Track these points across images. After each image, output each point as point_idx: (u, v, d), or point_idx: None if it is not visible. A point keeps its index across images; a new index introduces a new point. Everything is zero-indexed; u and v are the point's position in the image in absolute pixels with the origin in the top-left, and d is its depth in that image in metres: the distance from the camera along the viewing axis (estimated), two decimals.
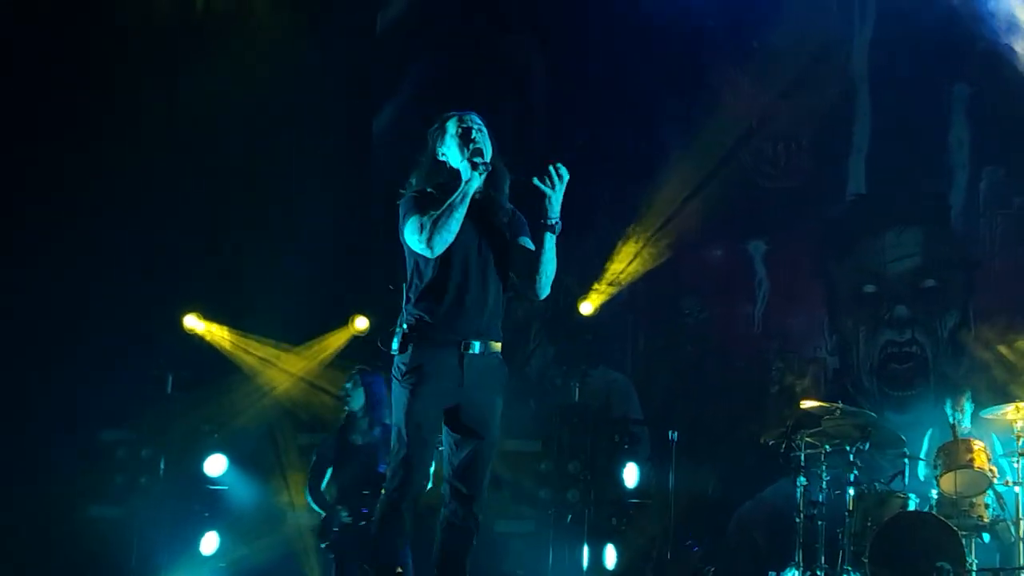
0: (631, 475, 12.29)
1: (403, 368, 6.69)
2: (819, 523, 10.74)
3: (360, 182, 14.46)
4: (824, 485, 10.86)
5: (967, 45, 12.42)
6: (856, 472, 10.69)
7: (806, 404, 11.06)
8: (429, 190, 6.82)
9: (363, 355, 13.19)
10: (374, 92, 14.81)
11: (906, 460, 11.12)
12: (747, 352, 14.00)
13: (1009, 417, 10.70)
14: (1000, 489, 10.84)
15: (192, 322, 13.05)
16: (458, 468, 6.82)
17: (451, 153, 6.85)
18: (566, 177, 6.69)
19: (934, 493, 10.88)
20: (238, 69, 13.11)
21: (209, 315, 13.13)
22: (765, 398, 13.65)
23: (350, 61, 14.26)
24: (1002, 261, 13.50)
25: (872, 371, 13.72)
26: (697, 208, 13.72)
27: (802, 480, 10.88)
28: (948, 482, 10.73)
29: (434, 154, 6.91)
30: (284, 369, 13.36)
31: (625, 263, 13.72)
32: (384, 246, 14.14)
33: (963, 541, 10.24)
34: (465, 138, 6.76)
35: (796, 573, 10.62)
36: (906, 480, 11.10)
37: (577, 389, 12.87)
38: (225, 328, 13.22)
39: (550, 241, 6.76)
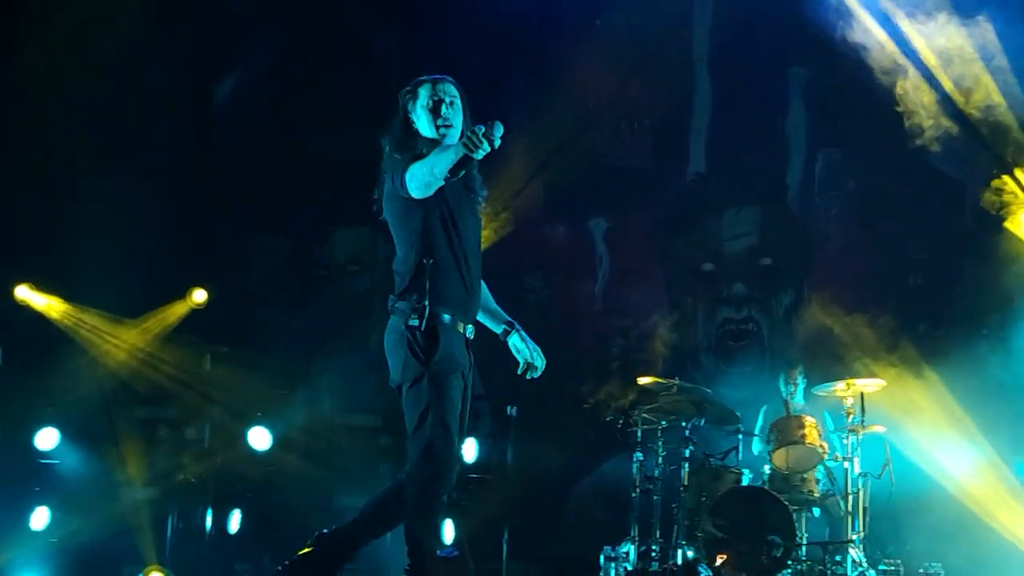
0: (470, 450, 12.31)
1: (431, 353, 6.60)
2: (655, 498, 10.88)
3: (200, 153, 14.23)
4: (660, 460, 11.00)
5: (803, 29, 12.60)
6: (691, 447, 10.85)
7: (643, 380, 11.19)
8: (421, 154, 6.73)
9: (201, 328, 13.05)
10: (216, 63, 14.57)
11: (740, 436, 11.30)
12: (588, 329, 14.11)
13: (840, 394, 10.94)
14: (830, 464, 11.11)
15: (24, 293, 12.75)
16: None
17: (421, 123, 6.85)
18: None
19: (767, 468, 11.11)
20: (75, 38, 12.81)
21: (42, 286, 12.83)
22: (606, 374, 13.76)
23: (191, 31, 13.99)
24: (837, 241, 13.79)
25: (710, 348, 13.94)
26: (540, 186, 13.75)
27: (638, 455, 11.02)
28: (780, 457, 10.95)
29: (406, 119, 6.89)
30: (121, 342, 13.13)
31: None
32: (224, 219, 14.03)
33: (794, 515, 10.47)
34: (436, 111, 6.78)
35: (632, 548, 10.75)
36: (740, 455, 11.28)
37: None
38: (59, 299, 12.93)
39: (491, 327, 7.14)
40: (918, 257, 13.67)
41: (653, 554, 10.68)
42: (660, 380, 11.08)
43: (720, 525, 10.45)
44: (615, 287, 14.09)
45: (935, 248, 13.50)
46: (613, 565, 10.63)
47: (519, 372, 7.05)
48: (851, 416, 10.82)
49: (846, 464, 10.74)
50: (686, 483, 10.79)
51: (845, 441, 10.84)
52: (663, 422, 11.03)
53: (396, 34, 14.59)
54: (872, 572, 10.39)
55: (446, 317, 6.66)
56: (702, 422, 10.95)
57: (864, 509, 10.73)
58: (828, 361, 12.53)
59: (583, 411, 13.13)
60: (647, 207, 14.05)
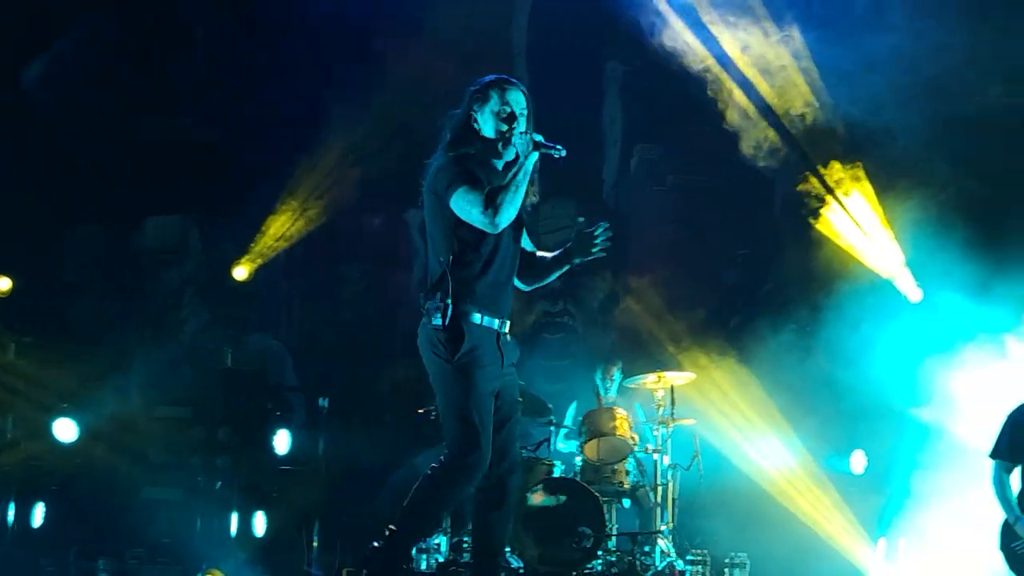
0: (283, 442, 12.19)
1: (455, 348, 6.58)
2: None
3: (7, 138, 13.82)
4: None
5: (619, 25, 12.72)
6: None
7: None
8: (470, 154, 6.74)
9: (6, 318, 12.68)
10: (29, 47, 14.17)
11: (552, 428, 11.37)
12: (403, 320, 14.04)
13: (651, 386, 11.08)
14: (641, 456, 11.24)
15: None
16: (497, 449, 6.74)
17: (486, 126, 6.77)
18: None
19: (578, 460, 11.18)
20: None
21: None
22: (420, 366, 13.69)
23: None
24: (652, 235, 13.95)
25: (525, 340, 13.96)
26: (357, 176, 13.66)
27: None
28: (592, 449, 11.04)
29: (468, 117, 6.80)
30: None
31: (283, 229, 13.57)
32: (36, 207, 13.63)
33: (604, 507, 10.54)
34: (508, 121, 6.73)
35: (443, 539, 10.72)
36: (552, 447, 11.35)
37: (230, 355, 12.68)
38: None
39: (561, 271, 7.02)
40: (732, 252, 13.90)
41: (465, 545, 10.67)
42: None
43: (531, 516, 10.48)
44: None
45: (749, 244, 13.75)
46: (424, 557, 10.59)
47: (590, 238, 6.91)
48: (662, 408, 10.97)
49: (656, 456, 10.87)
50: None
51: (656, 433, 10.99)
52: None
53: (222, 23, 14.34)
54: (680, 562, 10.54)
55: (475, 316, 6.61)
56: None
57: (673, 500, 10.89)
58: (642, 354, 12.68)
59: (397, 402, 13.08)
60: None
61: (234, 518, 12.02)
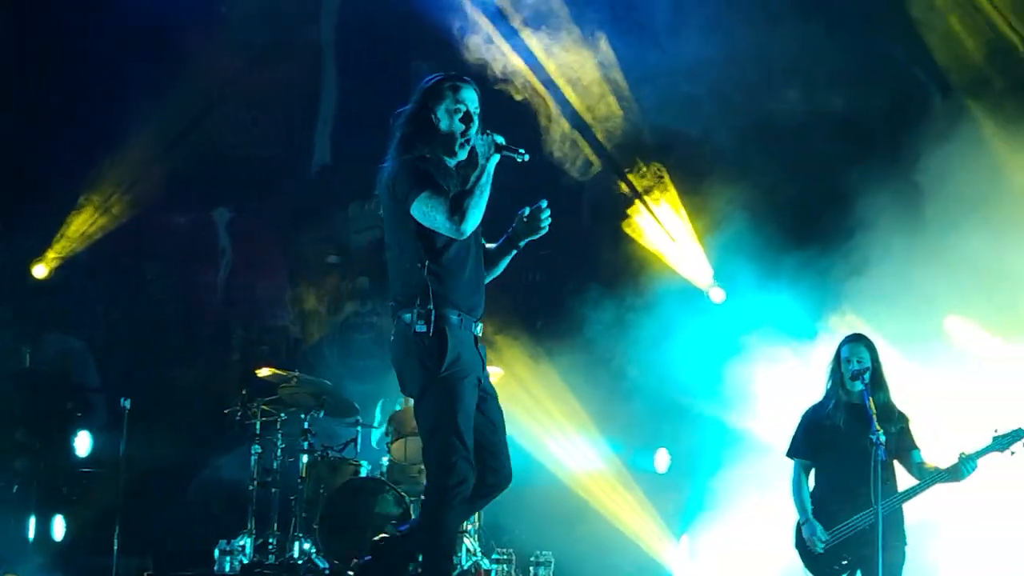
0: (83, 443, 11.94)
1: (441, 359, 6.39)
2: (273, 490, 10.79)
3: None
4: (279, 453, 10.91)
5: (425, 24, 12.71)
6: (310, 439, 10.80)
7: (263, 372, 11.08)
8: (426, 156, 6.52)
9: None
10: None
11: (359, 428, 11.34)
12: (209, 320, 13.89)
13: None
14: None
15: None
16: (495, 453, 6.73)
17: (441, 123, 6.57)
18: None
19: (385, 460, 11.16)
20: None
21: None
22: (227, 366, 13.57)
23: None
24: None
25: (334, 340, 13.91)
26: (162, 173, 13.43)
27: (256, 448, 10.89)
28: (399, 449, 11.03)
29: (423, 115, 6.59)
30: None
31: (85, 226, 13.27)
32: None
33: (411, 506, 10.54)
34: (465, 121, 6.57)
35: (248, 540, 10.61)
36: (359, 447, 11.31)
37: (29, 355, 12.36)
38: None
39: (510, 257, 6.89)
40: (539, 254, 13.97)
41: (270, 547, 10.58)
42: (280, 372, 10.98)
43: (338, 516, 10.43)
44: (238, 278, 13.90)
45: (555, 246, 13.84)
46: (228, 558, 10.46)
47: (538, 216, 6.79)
48: None
49: None
50: (304, 475, 10.73)
51: None
52: (282, 414, 10.95)
53: (8, 13, 13.90)
54: (485, 561, 10.59)
55: (454, 318, 6.45)
56: (321, 414, 10.93)
57: None
58: None
59: (200, 403, 12.90)
60: (272, 198, 13.89)
61: (32, 521, 11.71)
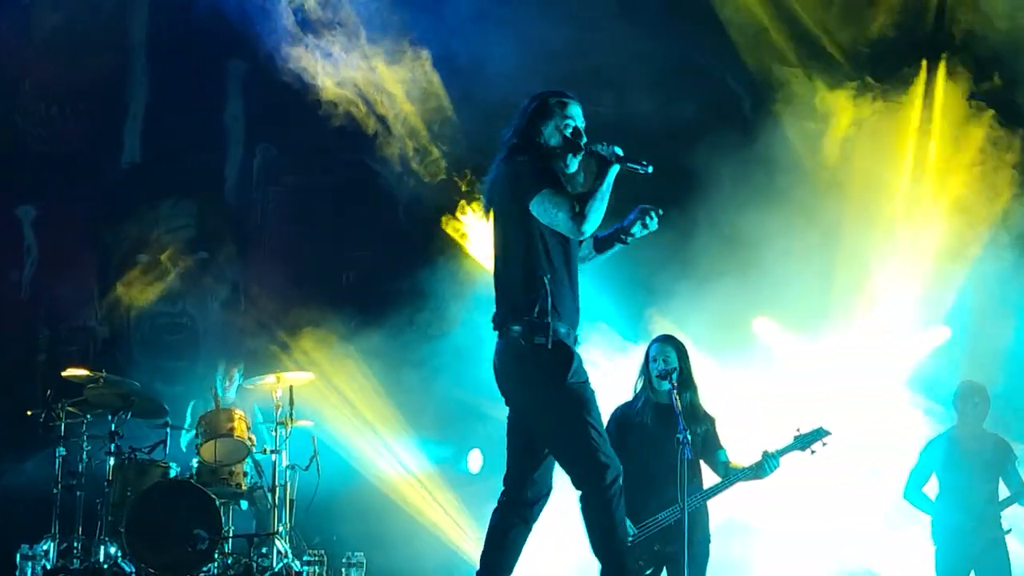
0: None
1: (564, 367, 6.38)
2: (78, 493, 10.54)
3: None
4: (85, 455, 10.68)
5: (242, 21, 12.59)
6: (117, 441, 10.59)
7: (68, 373, 10.84)
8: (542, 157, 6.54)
9: None
10: None
11: (168, 429, 11.16)
12: (13, 319, 13.50)
13: (269, 387, 11.02)
14: (259, 457, 11.14)
15: None
16: (546, 467, 6.70)
17: (552, 139, 6.57)
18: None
19: (195, 462, 11.00)
20: None
21: None
22: (32, 367, 13.24)
23: None
24: (273, 237, 13.85)
25: (144, 341, 13.66)
26: None
27: (61, 450, 10.64)
28: (208, 451, 10.90)
29: (535, 126, 6.57)
30: None
31: None
32: None
33: (220, 508, 10.42)
34: (575, 136, 6.56)
35: (52, 544, 10.36)
36: (167, 449, 11.13)
37: None
38: None
39: (613, 250, 6.87)
40: (353, 254, 13.94)
41: (75, 551, 10.34)
42: (87, 373, 10.74)
43: (145, 519, 10.25)
44: (44, 277, 13.54)
45: (369, 246, 13.82)
46: (31, 564, 10.20)
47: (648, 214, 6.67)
48: (280, 409, 10.92)
49: (274, 457, 10.82)
50: (111, 478, 10.52)
51: (274, 434, 10.93)
52: (88, 416, 10.71)
53: None
54: (296, 563, 10.52)
55: (563, 330, 6.41)
56: (128, 415, 10.72)
57: (291, 501, 10.87)
58: (261, 354, 12.59)
59: (3, 405, 12.55)
60: (80, 196, 13.57)
61: None
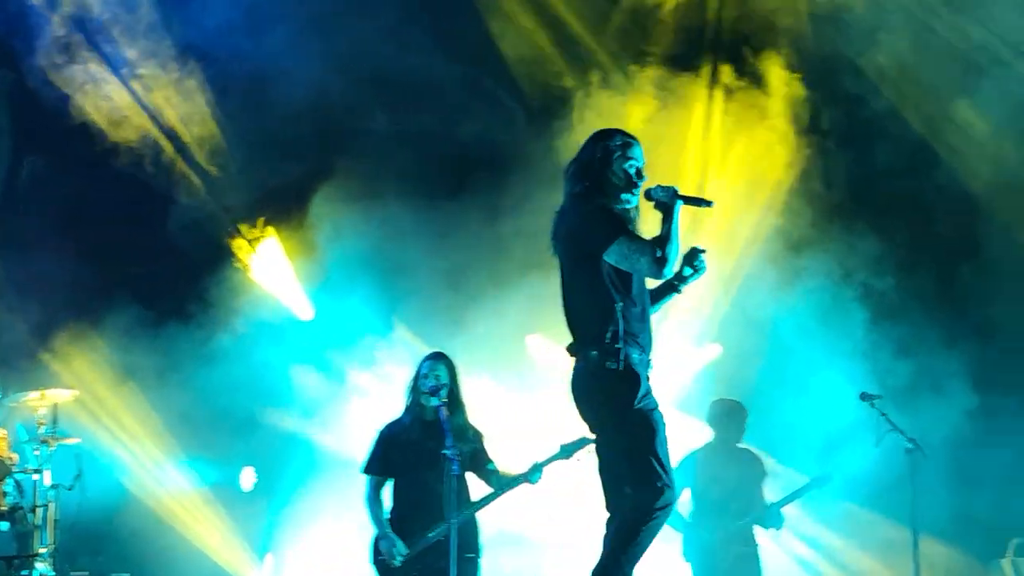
0: None
1: (634, 394, 6.54)
2: None
3: None
4: None
5: (6, 32, 12.29)
6: None
7: None
8: (609, 204, 6.75)
9: None
10: None
11: None
12: None
13: (33, 404, 10.73)
14: (20, 477, 10.81)
15: None
16: None
17: (617, 176, 6.77)
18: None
19: None
20: None
21: None
22: None
23: None
24: (41, 252, 13.44)
25: None
26: None
27: None
28: None
29: (606, 165, 6.77)
30: None
31: None
32: None
33: None
34: (638, 176, 6.78)
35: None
36: None
37: None
38: None
39: (669, 298, 7.07)
40: (124, 270, 13.64)
41: None
42: None
43: None
44: None
45: (140, 262, 13.56)
46: None
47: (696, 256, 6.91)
48: (43, 427, 10.64)
49: (36, 476, 10.54)
50: None
51: (37, 453, 10.64)
52: None
53: None
54: None
55: (636, 356, 6.58)
56: None
57: (55, 521, 10.60)
58: (24, 371, 12.24)
59: None
60: None
61: None
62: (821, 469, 10.72)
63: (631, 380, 6.58)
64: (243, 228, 13.12)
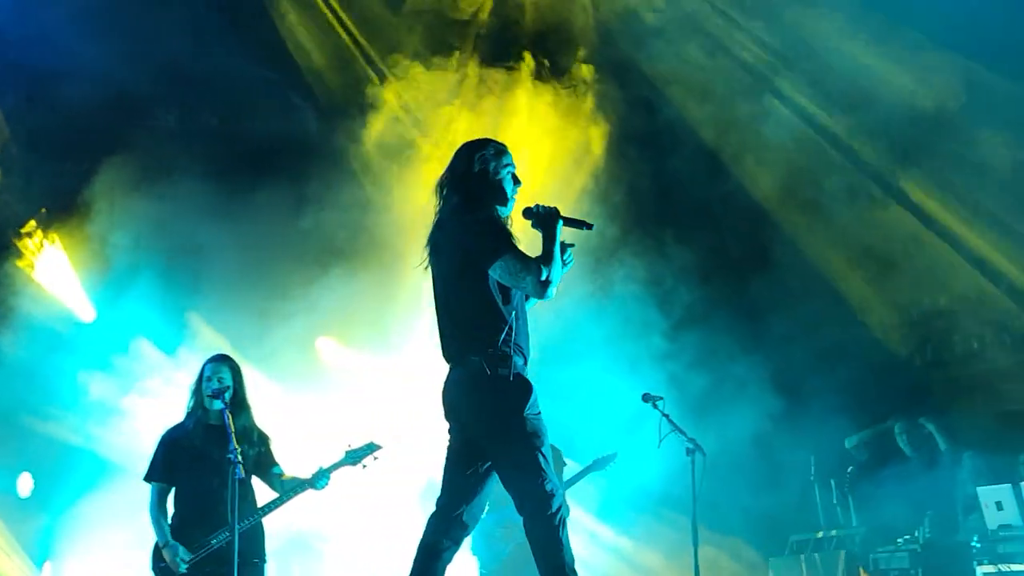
0: None
1: (523, 397, 6.61)
2: None
3: None
4: None
5: None
6: None
7: None
8: (496, 216, 6.77)
9: None
10: None
11: None
12: None
13: None
14: None
15: None
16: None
17: (494, 184, 6.79)
18: None
19: None
20: None
21: None
22: None
23: None
24: None
25: None
26: None
27: None
28: None
29: (485, 173, 6.78)
30: None
31: None
32: None
33: None
34: (515, 183, 6.83)
35: None
36: None
37: None
38: None
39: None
40: None
41: None
42: None
43: None
44: None
45: None
46: None
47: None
48: None
49: None
50: None
51: None
52: None
53: None
54: None
55: (520, 362, 6.65)
56: None
57: None
58: None
59: None
60: None
61: None
62: (603, 451, 10.86)
63: (522, 387, 6.65)
64: (26, 227, 12.73)
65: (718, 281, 13.12)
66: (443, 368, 6.81)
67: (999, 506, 9.41)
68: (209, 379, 8.50)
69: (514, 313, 6.69)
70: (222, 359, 8.71)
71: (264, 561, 8.57)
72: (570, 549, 6.64)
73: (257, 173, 12.60)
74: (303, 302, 12.07)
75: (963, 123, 11.65)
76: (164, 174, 12.47)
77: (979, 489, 9.70)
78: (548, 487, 6.60)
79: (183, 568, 8.36)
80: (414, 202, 12.23)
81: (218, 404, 8.28)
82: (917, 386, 13.21)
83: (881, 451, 11.65)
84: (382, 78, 13.25)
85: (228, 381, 8.47)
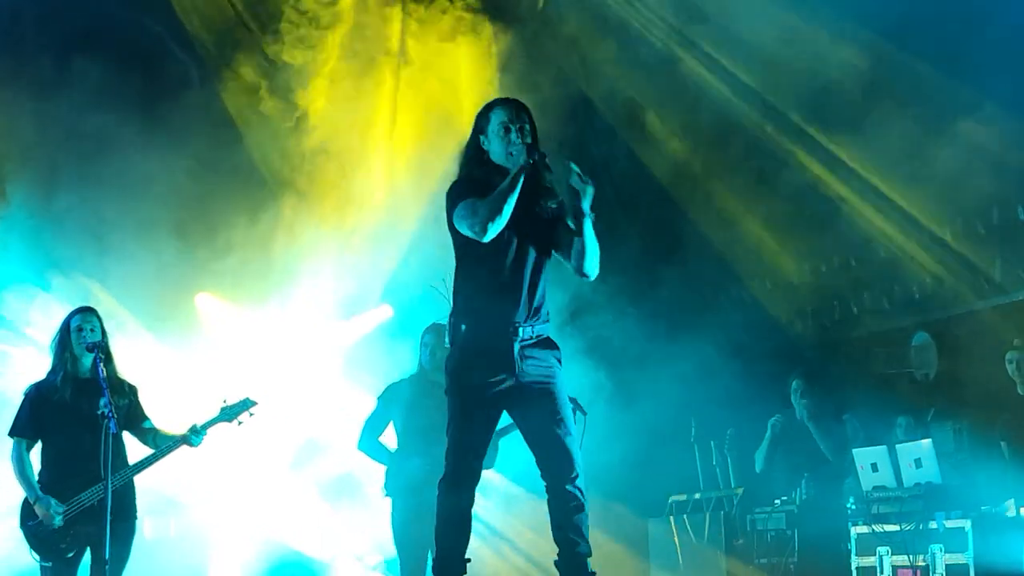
0: None
1: (452, 364, 6.69)
2: None
3: None
4: None
5: None
6: None
7: None
8: (473, 176, 6.68)
9: None
10: None
11: None
12: None
13: None
14: None
15: None
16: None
17: (493, 148, 6.66)
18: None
19: None
20: None
21: None
22: None
23: None
24: None
25: None
26: None
27: None
28: None
29: (476, 142, 6.72)
30: None
31: None
32: None
33: None
34: (506, 136, 6.60)
35: None
36: None
37: None
38: None
39: (587, 226, 6.80)
40: None
41: None
42: None
43: None
44: None
45: None
46: None
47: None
48: None
49: None
50: None
51: None
52: None
53: None
54: None
55: (462, 327, 6.67)
56: None
57: None
58: None
59: None
60: None
61: None
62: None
63: (453, 354, 6.68)
64: None
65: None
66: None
67: (874, 467, 9.51)
68: (80, 330, 8.29)
69: (477, 276, 6.62)
70: (89, 310, 8.51)
71: (136, 518, 8.41)
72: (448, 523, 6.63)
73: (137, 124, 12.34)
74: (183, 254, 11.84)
75: (864, 94, 11.72)
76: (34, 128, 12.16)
77: (855, 451, 9.80)
78: (447, 456, 6.61)
79: (59, 521, 8.17)
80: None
81: (90, 357, 8.10)
82: (797, 348, 13.36)
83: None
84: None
85: (98, 333, 8.28)
